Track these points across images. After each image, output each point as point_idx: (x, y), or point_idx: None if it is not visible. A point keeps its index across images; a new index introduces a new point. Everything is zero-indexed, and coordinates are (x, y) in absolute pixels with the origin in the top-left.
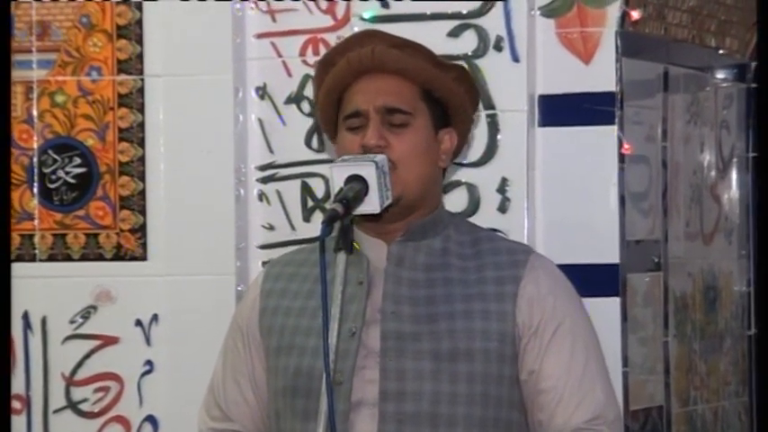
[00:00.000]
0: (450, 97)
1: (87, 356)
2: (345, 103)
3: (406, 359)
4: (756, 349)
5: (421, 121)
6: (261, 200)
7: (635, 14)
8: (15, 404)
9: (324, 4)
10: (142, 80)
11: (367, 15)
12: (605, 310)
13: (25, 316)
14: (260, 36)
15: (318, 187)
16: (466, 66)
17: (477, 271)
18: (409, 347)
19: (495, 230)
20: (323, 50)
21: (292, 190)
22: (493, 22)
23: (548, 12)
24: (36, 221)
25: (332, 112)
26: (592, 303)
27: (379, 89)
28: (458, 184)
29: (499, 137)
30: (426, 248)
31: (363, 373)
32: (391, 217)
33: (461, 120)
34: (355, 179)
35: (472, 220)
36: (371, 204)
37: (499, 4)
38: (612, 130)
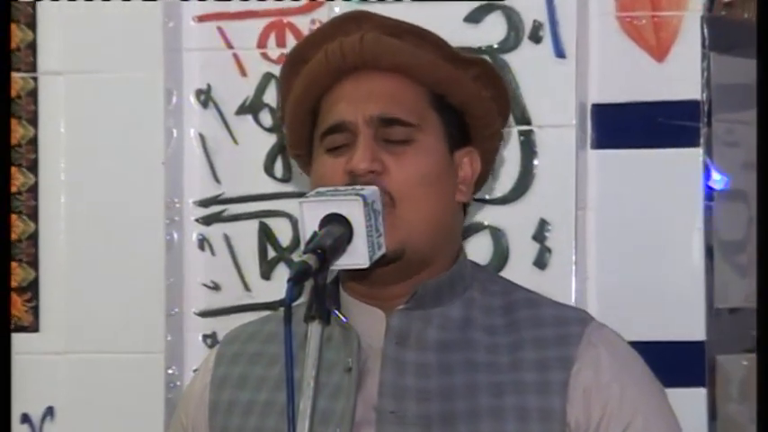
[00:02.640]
0: (470, 104)
1: None
2: (324, 115)
3: None
4: None
5: (430, 136)
6: (202, 248)
7: None
8: None
9: None
10: (35, 79)
11: None
12: (687, 405)
13: None
14: (202, 19)
15: (283, 231)
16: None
17: (511, 351)
18: None
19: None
20: (291, 40)
21: (247, 235)
22: (528, 3)
23: None
24: None
25: (304, 130)
26: (668, 397)
27: (370, 93)
28: (479, 227)
29: (536, 162)
30: (440, 319)
31: None
32: (391, 276)
33: (486, 136)
34: (335, 220)
35: None
36: (357, 256)
37: None
38: (696, 153)
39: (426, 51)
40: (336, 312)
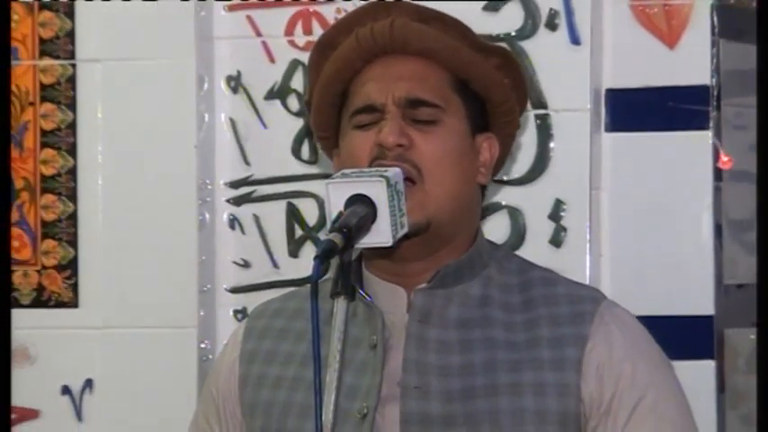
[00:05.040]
0: (491, 91)
1: None
2: (353, 96)
3: None
4: None
5: (454, 118)
6: (232, 227)
7: None
8: None
9: None
10: (73, 66)
11: None
12: (695, 378)
13: None
14: (232, 8)
15: (310, 211)
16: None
17: (527, 328)
18: None
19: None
20: (317, 28)
21: (275, 214)
22: None
23: None
24: None
25: (332, 112)
26: (678, 369)
27: (399, 75)
28: (497, 207)
29: (552, 145)
30: (461, 297)
31: None
32: (414, 252)
33: (505, 122)
34: (359, 201)
35: None
36: (381, 234)
37: None
38: (706, 136)
39: (452, 38)
40: (362, 291)
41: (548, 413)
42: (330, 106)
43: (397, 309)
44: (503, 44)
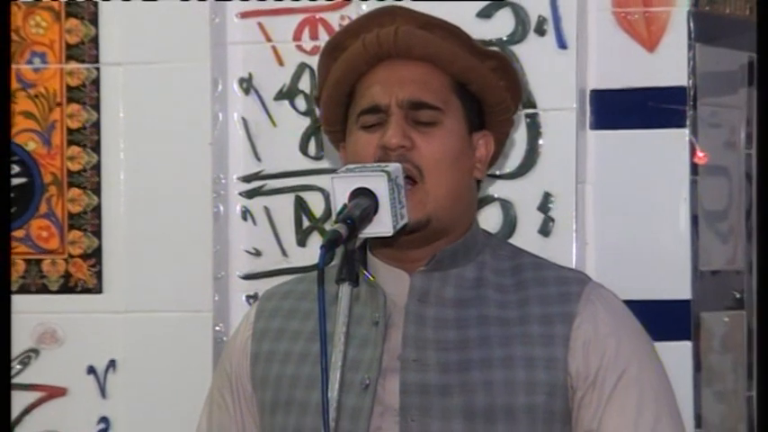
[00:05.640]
0: (487, 92)
1: (27, 412)
2: (359, 97)
3: (432, 419)
4: None
5: (453, 119)
6: (245, 218)
7: None
8: None
9: None
10: (97, 69)
11: None
12: (673, 357)
13: None
14: (244, 15)
15: (316, 203)
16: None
17: (518, 307)
18: (435, 404)
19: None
20: (323, 34)
21: (284, 206)
22: (534, 0)
23: None
24: None
25: (339, 110)
26: (657, 349)
27: (402, 79)
28: (489, 200)
29: (541, 141)
30: (456, 279)
31: None
32: (415, 242)
33: (500, 121)
34: (362, 194)
35: None
36: (382, 225)
37: None
38: (683, 134)
39: (452, 44)
40: (369, 274)
41: (537, 384)
42: (338, 105)
43: (398, 290)
44: (495, 48)
